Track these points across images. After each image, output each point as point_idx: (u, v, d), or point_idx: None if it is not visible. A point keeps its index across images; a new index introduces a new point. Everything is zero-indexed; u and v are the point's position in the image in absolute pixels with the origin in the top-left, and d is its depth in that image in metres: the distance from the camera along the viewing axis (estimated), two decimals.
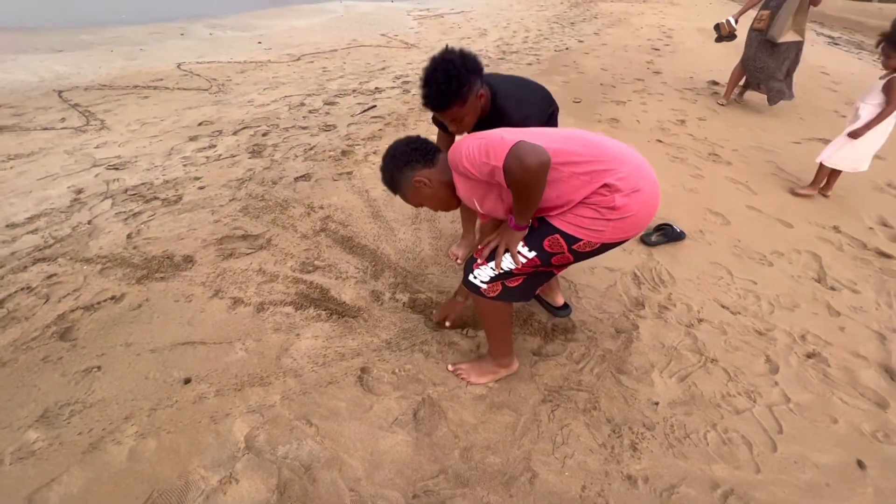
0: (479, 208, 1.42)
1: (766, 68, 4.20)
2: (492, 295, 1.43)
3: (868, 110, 2.68)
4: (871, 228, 2.69)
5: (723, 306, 2.04)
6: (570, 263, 1.41)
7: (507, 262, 1.37)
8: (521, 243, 1.35)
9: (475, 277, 1.43)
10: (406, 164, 1.42)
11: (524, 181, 1.18)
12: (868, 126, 2.64)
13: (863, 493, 1.36)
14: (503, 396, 1.59)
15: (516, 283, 1.43)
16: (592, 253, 1.35)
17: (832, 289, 2.19)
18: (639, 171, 1.26)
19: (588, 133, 1.38)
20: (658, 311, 1.99)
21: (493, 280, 1.41)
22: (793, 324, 1.96)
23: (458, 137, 1.71)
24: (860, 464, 1.43)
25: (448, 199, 1.47)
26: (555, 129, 1.45)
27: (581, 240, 1.30)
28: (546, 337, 1.84)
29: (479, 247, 1.44)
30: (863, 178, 3.21)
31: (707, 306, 2.03)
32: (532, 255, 1.35)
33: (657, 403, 1.58)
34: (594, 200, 1.25)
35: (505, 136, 1.23)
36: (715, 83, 5.29)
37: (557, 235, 1.31)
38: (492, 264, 1.39)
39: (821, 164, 2.92)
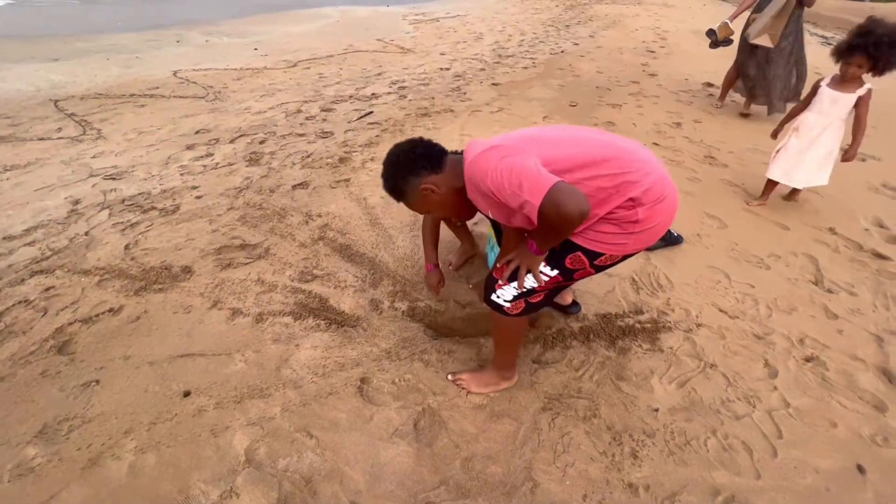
0: (489, 216, 1.38)
1: (755, 72, 4.21)
2: (515, 312, 1.43)
3: (838, 126, 2.59)
4: (867, 230, 2.70)
5: (721, 310, 2.04)
6: (591, 275, 1.41)
7: (530, 282, 1.37)
8: (543, 263, 1.34)
9: (498, 297, 1.42)
10: (411, 172, 1.34)
11: (559, 227, 1.14)
12: (857, 145, 2.53)
13: (863, 497, 1.36)
14: (503, 405, 1.59)
15: (538, 299, 1.43)
16: (613, 264, 1.36)
17: (829, 291, 2.20)
18: (663, 181, 1.25)
19: (614, 137, 1.33)
20: (657, 316, 1.99)
21: (516, 298, 1.41)
22: (791, 327, 1.97)
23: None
24: (860, 468, 1.44)
25: (458, 205, 1.40)
26: (581, 129, 1.37)
27: (603, 254, 1.29)
28: (545, 344, 1.84)
29: (499, 266, 1.42)
30: (858, 178, 3.22)
31: (705, 311, 2.04)
32: (554, 273, 1.35)
33: (657, 410, 1.58)
34: (618, 215, 1.23)
35: (541, 170, 1.12)
36: (710, 85, 5.31)
37: (579, 252, 1.30)
38: (514, 284, 1.38)
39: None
